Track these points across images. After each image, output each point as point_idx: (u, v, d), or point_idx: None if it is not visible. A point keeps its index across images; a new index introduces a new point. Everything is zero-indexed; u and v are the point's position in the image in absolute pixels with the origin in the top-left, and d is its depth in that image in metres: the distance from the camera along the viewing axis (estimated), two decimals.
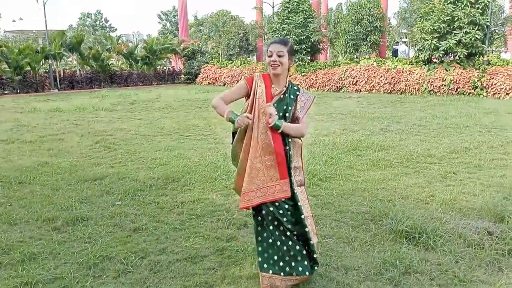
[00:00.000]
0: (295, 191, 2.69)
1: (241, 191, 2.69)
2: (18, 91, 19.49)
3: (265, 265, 2.67)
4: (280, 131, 2.62)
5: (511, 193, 4.50)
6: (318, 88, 18.08)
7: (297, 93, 2.77)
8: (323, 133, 8.10)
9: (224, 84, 22.17)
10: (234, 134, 2.81)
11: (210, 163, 5.94)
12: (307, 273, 2.68)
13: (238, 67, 22.16)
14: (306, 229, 2.68)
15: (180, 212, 4.14)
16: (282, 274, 2.65)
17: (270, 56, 2.67)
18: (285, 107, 2.70)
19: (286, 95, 2.72)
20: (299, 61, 19.68)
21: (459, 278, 2.84)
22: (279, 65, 2.65)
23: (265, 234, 2.69)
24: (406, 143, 7.11)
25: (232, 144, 2.82)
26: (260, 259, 2.70)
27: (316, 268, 2.81)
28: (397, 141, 7.27)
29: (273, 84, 2.74)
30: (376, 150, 6.59)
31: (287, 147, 2.70)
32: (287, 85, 2.76)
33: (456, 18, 14.96)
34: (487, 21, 14.97)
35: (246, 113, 2.60)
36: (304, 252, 2.71)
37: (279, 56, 2.65)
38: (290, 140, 2.71)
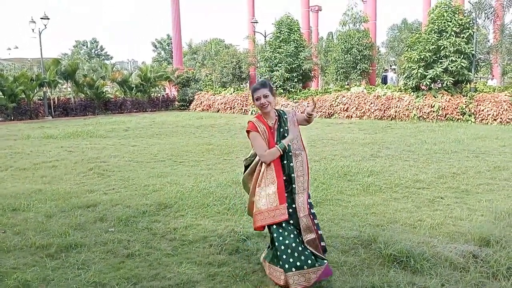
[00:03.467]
0: (294, 197, 3.17)
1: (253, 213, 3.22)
2: (12, 118, 19.56)
3: (286, 266, 3.02)
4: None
5: (497, 217, 4.61)
6: None
7: (285, 116, 3.30)
8: (314, 159, 8.23)
9: (218, 111, 22.41)
10: (246, 167, 3.37)
11: (203, 189, 6.01)
12: (316, 264, 3.07)
13: (231, 94, 22.47)
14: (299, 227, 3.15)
15: (172, 238, 4.20)
16: (303, 268, 3.02)
17: (258, 100, 3.16)
18: (282, 130, 3.24)
19: (282, 121, 3.27)
20: (291, 88, 20.04)
21: None
22: (268, 104, 3.18)
23: (280, 239, 3.07)
24: (395, 169, 7.26)
25: (244, 174, 3.39)
26: (281, 262, 3.06)
27: (322, 262, 3.13)
28: (387, 167, 7.42)
29: (266, 120, 3.25)
30: (366, 176, 6.71)
31: (285, 168, 3.18)
32: (276, 114, 3.27)
33: (442, 47, 15.45)
34: (472, 50, 15.46)
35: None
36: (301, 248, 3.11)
37: (265, 97, 3.17)
38: (290, 153, 3.17)
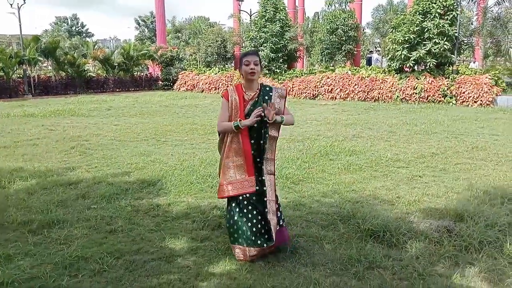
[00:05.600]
0: (263, 178, 3.23)
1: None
2: None
3: (239, 239, 3.20)
4: (282, 123, 3.22)
5: (472, 195, 4.76)
6: (294, 96, 18.36)
7: (270, 93, 3.24)
8: (298, 139, 8.30)
9: (202, 91, 22.20)
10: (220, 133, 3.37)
11: (187, 167, 6.04)
12: (264, 245, 3.18)
13: (216, 74, 22.26)
14: (266, 210, 3.22)
15: (155, 215, 4.24)
16: (250, 246, 3.17)
17: (247, 65, 3.13)
18: (259, 106, 3.17)
19: (260, 97, 3.22)
20: (276, 69, 19.96)
21: (418, 272, 3.04)
22: (256, 72, 3.17)
23: (238, 215, 3.21)
24: (376, 148, 7.38)
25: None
26: (235, 235, 3.22)
27: (271, 243, 3.20)
28: (368, 147, 7.54)
29: (246, 91, 3.22)
30: (348, 155, 6.82)
31: (256, 146, 3.21)
32: (259, 88, 3.24)
33: (426, 29, 15.53)
34: (456, 32, 15.60)
35: (255, 112, 3.11)
36: (266, 228, 3.23)
37: (255, 65, 3.17)
38: (267, 135, 3.19)
